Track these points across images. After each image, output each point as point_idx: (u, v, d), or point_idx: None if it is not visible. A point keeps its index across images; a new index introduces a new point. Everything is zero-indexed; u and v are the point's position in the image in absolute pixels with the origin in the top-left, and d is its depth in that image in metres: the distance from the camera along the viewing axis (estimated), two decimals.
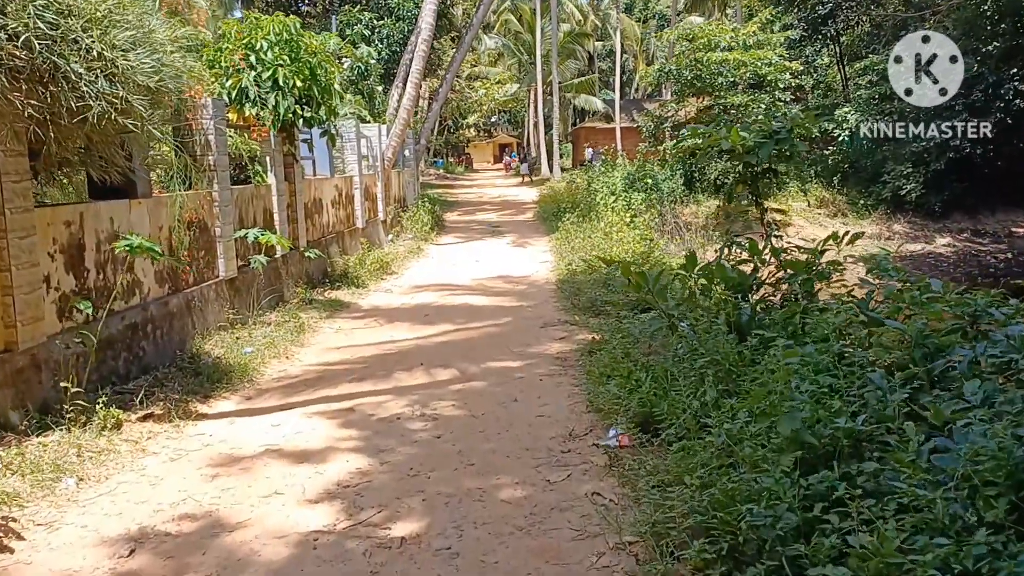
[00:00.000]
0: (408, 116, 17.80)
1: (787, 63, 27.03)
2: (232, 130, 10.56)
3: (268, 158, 11.01)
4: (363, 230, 15.90)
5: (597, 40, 61.99)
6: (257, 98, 10.57)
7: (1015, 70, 22.13)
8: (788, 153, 7.30)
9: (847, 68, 33.31)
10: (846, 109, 27.20)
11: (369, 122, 17.73)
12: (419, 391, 6.85)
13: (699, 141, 7.45)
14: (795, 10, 31.88)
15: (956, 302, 4.97)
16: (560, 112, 50.91)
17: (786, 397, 3.96)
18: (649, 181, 22.73)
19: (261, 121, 10.60)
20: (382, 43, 26.91)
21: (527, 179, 46.22)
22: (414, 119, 34.16)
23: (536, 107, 52.57)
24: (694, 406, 4.76)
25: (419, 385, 7.09)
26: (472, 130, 70.74)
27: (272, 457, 5.31)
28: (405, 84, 19.64)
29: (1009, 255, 24.56)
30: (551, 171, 46.90)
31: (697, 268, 6.05)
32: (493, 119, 74.24)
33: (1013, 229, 26.65)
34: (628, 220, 19.14)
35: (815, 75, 32.16)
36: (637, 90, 67.70)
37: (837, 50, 33.13)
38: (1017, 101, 22.37)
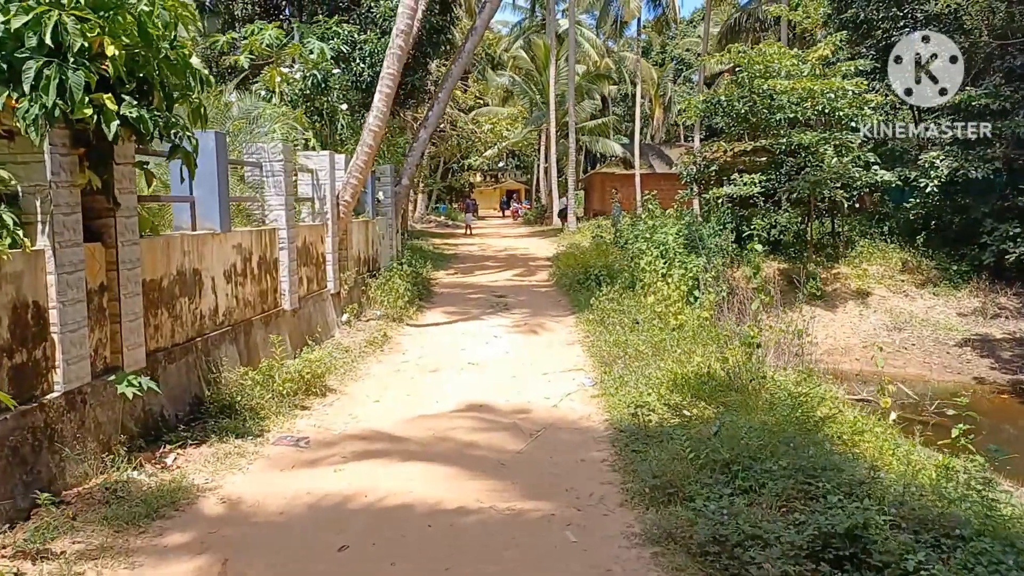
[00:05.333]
0: (375, 142, 12.23)
1: (869, 95, 21.60)
2: None
3: (38, 199, 5.45)
4: (294, 313, 10.23)
5: (611, 84, 57.30)
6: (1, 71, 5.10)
7: None
8: None
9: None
10: (934, 153, 21.77)
11: (314, 150, 12.16)
12: None
13: None
14: (862, 37, 26.66)
15: None
16: (574, 156, 45.69)
17: None
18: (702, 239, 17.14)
19: (20, 118, 5.09)
20: (364, 62, 21.64)
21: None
22: (399, 151, 28.68)
23: (548, 151, 47.34)
24: None
25: None
26: (477, 175, 65.75)
27: None
28: None
29: None
30: (564, 220, 41.44)
31: None
32: (500, 164, 69.16)
33: None
34: (686, 295, 13.55)
35: (884, 113, 26.68)
36: (653, 137, 62.70)
37: None
38: None
